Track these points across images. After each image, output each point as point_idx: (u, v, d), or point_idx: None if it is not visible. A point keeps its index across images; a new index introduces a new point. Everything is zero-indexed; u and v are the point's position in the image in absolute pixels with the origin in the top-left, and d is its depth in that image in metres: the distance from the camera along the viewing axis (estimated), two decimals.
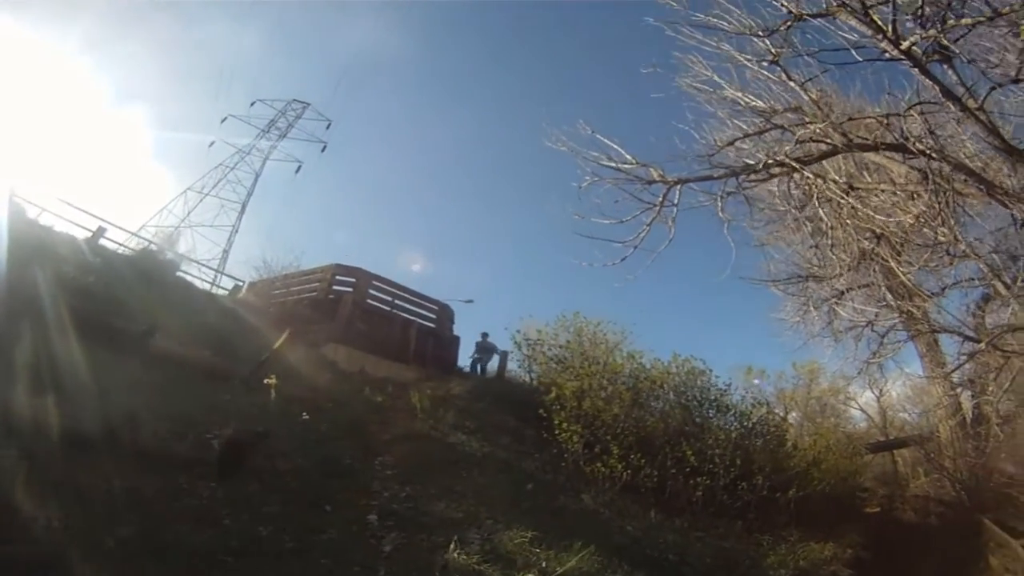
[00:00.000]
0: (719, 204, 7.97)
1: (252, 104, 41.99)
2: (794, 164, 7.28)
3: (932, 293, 11.54)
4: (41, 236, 11.24)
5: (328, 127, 43.77)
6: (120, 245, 17.71)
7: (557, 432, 9.52)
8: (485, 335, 17.56)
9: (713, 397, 11.81)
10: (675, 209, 7.99)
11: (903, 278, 9.51)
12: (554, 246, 69.69)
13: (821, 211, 8.27)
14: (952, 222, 7.70)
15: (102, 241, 15.29)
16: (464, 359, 17.47)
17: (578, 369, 11.28)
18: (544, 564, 5.41)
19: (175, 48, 62.80)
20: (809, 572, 8.16)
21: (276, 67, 64.63)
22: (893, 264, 9.14)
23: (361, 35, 65.57)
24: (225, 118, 40.59)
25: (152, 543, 4.18)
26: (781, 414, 17.51)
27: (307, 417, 7.83)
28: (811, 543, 8.99)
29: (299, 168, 42.27)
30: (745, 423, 11.60)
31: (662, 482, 9.23)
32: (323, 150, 43.41)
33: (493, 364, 17.20)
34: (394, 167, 72.13)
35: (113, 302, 9.13)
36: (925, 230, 7.77)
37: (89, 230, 16.09)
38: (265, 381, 7.84)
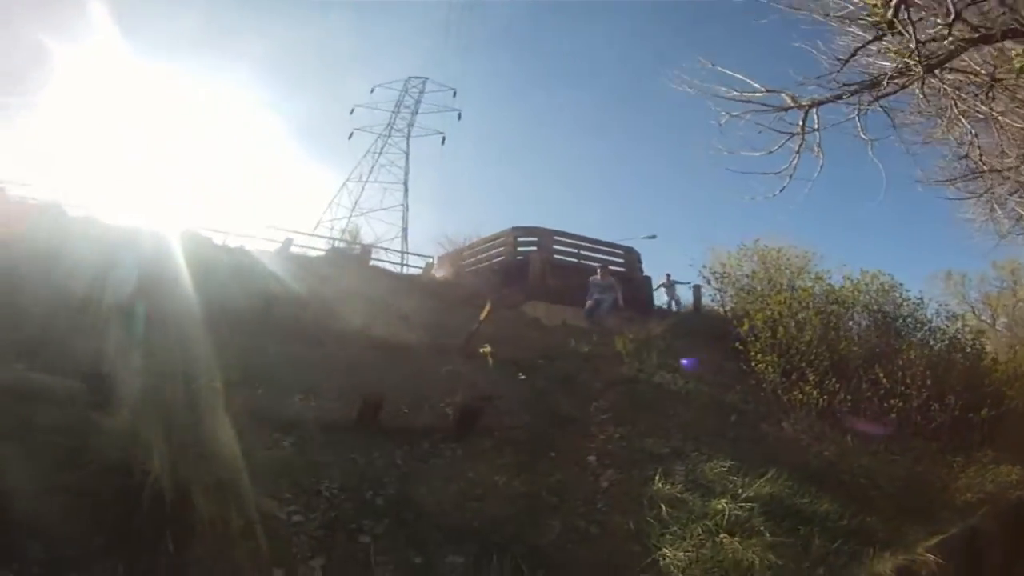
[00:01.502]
0: (859, 124, 7.59)
1: (372, 91, 44.64)
2: (921, 72, 6.58)
3: None
4: (244, 260, 12.84)
5: (455, 95, 45.07)
6: (310, 249, 19.92)
7: (754, 364, 9.63)
8: (667, 276, 18.42)
9: (907, 313, 11.21)
10: (818, 134, 7.72)
11: None
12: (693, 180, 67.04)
13: (961, 111, 7.55)
14: None
15: (292, 250, 17.32)
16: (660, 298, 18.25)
17: (767, 298, 11.19)
18: (739, 491, 5.80)
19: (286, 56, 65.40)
20: (995, 496, 7.78)
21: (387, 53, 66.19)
22: None
23: None
24: (352, 109, 43.57)
25: (410, 500, 5.18)
26: (989, 321, 16.01)
27: (524, 377, 8.72)
28: (1004, 465, 8.60)
29: (444, 139, 43.82)
30: (941, 338, 10.85)
31: (856, 405, 8.97)
32: (459, 118, 44.88)
33: (687, 298, 17.91)
34: (524, 126, 72.25)
35: (324, 304, 10.51)
36: None
37: (276, 241, 18.26)
38: (480, 350, 8.87)
